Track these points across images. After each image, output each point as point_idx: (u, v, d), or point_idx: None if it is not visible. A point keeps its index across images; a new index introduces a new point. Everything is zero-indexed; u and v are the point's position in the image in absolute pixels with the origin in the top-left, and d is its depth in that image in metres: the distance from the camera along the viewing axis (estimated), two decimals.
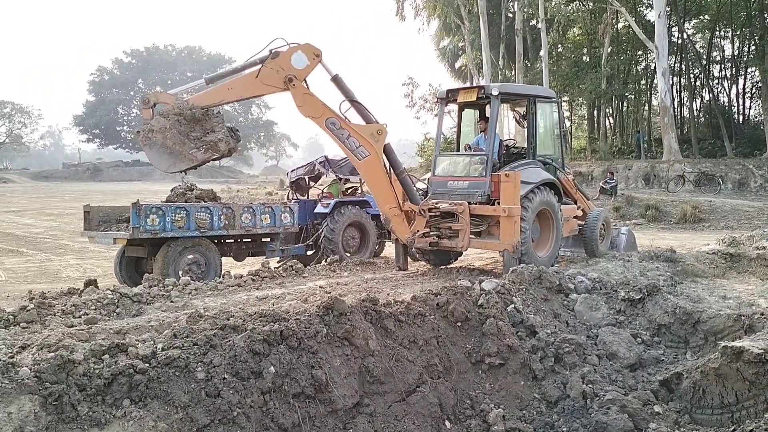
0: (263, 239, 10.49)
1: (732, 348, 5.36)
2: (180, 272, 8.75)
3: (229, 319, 5.08)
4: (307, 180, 12.70)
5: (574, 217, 10.11)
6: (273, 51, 8.32)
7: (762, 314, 6.26)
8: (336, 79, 8.70)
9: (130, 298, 6.99)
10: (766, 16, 32.38)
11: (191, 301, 7.16)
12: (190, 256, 9.06)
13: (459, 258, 10.86)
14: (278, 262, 11.09)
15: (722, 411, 5.46)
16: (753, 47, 35.54)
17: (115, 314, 6.55)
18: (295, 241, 11.32)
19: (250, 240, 10.38)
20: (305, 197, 12.68)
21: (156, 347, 4.43)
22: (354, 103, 8.75)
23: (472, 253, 11.42)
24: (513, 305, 6.47)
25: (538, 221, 9.21)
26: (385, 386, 5.13)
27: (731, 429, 5.17)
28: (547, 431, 5.38)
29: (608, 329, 6.69)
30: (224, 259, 9.87)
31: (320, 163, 12.13)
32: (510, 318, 6.29)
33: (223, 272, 9.17)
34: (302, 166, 12.96)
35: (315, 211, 11.75)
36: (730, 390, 5.41)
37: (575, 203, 10.35)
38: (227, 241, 10.12)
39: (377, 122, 8.81)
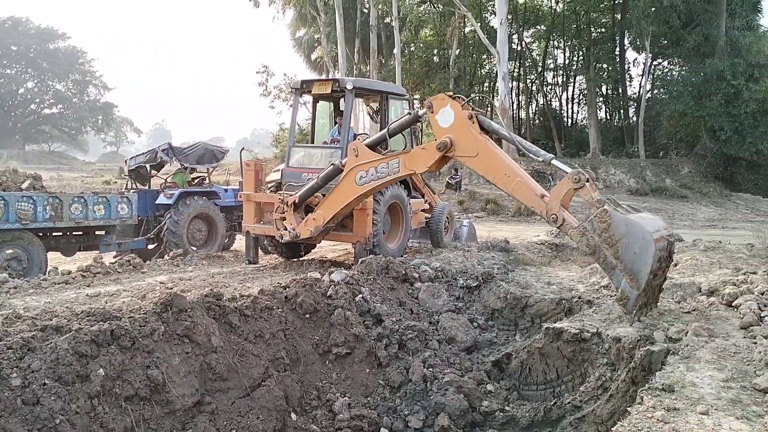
0: (97, 232, 9.69)
1: (553, 329, 5.92)
2: None
3: (51, 320, 4.63)
4: (148, 168, 11.94)
5: (422, 210, 10.56)
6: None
7: (580, 298, 6.99)
8: None
9: None
10: (592, 29, 36.20)
11: (9, 301, 6.46)
12: (10, 251, 8.23)
13: (311, 250, 10.85)
14: (114, 256, 10.32)
15: (545, 387, 6.02)
16: (581, 57, 39.61)
17: None
18: (134, 234, 10.60)
19: (81, 233, 9.54)
20: (146, 187, 11.92)
21: None
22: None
23: (325, 245, 11.46)
24: (361, 295, 6.58)
25: (389, 214, 9.48)
26: (228, 383, 4.97)
27: (552, 402, 5.72)
28: (390, 415, 5.56)
29: (448, 315, 7.06)
30: (51, 254, 8.99)
31: (163, 150, 11.48)
32: (357, 308, 6.40)
33: (48, 269, 8.34)
34: (143, 153, 12.17)
35: (157, 202, 11.12)
36: (552, 367, 5.98)
37: (423, 197, 10.81)
38: (54, 234, 9.21)
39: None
